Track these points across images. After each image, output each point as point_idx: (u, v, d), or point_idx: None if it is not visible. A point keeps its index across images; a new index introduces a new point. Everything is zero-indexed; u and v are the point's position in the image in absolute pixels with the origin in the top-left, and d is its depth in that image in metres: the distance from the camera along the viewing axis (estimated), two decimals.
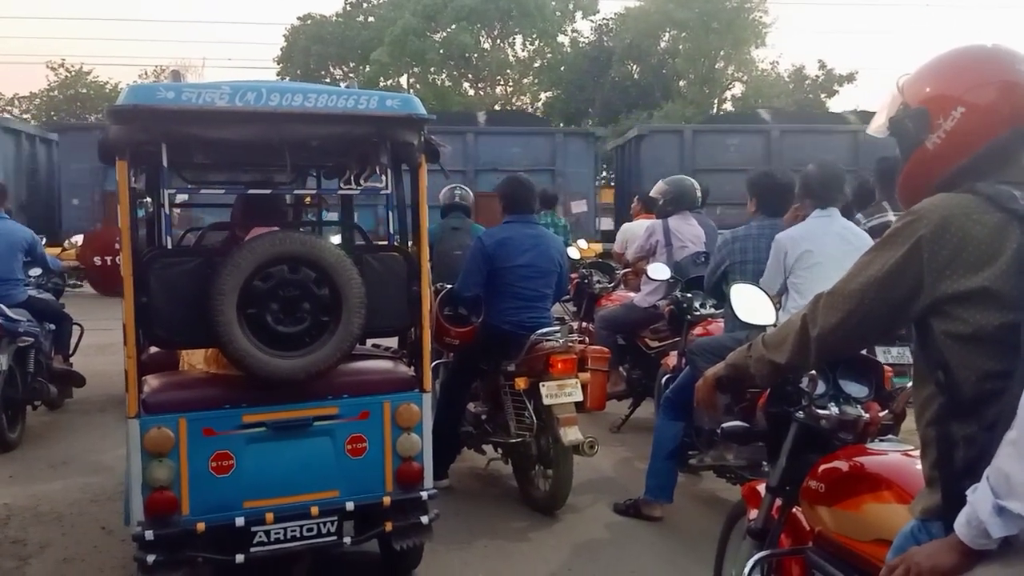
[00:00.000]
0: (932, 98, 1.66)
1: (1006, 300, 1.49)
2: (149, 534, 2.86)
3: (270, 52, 49.23)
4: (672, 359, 4.83)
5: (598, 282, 7.00)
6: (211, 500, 2.98)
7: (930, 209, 1.58)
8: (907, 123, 1.70)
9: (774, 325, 3.10)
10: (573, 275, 6.91)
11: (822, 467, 2.25)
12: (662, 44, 30.54)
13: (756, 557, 2.32)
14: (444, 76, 32.49)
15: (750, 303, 3.23)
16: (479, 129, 16.08)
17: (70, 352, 6.67)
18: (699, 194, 6.14)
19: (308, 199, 4.92)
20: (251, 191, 3.92)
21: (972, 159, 1.62)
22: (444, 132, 14.31)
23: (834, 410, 2.40)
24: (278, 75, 33.78)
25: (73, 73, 34.95)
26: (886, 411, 2.45)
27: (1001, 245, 1.50)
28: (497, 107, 29.30)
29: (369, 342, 3.75)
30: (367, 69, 31.53)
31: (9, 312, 5.62)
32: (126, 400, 2.97)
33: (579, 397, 4.33)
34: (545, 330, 4.47)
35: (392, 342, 3.81)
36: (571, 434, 4.22)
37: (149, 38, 56.83)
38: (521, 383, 4.37)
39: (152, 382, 3.12)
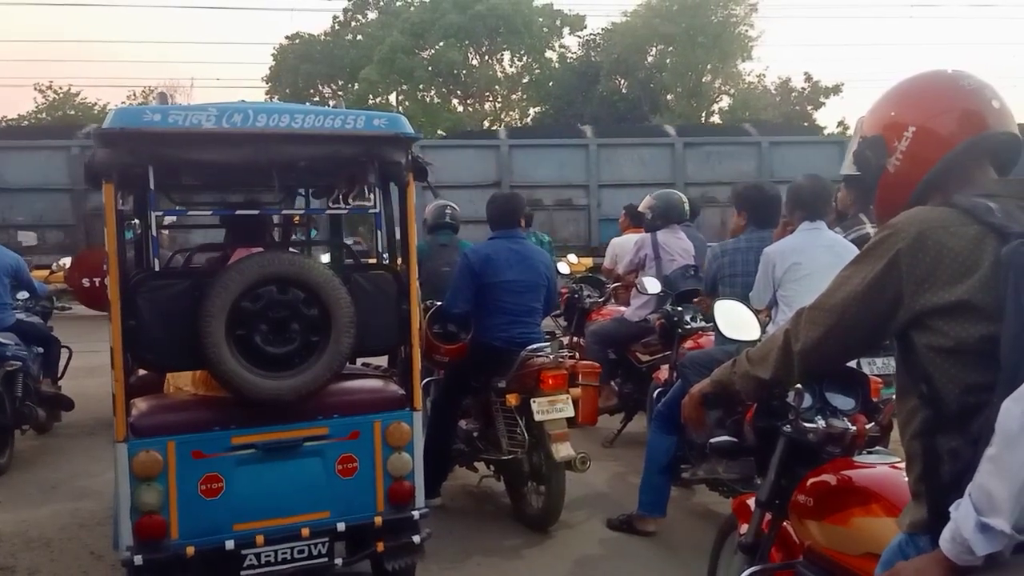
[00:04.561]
0: (886, 124, 1.73)
1: (985, 312, 1.49)
2: (138, 559, 2.84)
3: (259, 72, 49.38)
4: (663, 373, 4.83)
5: (588, 297, 7.01)
6: (201, 523, 2.96)
7: (907, 223, 1.59)
8: (867, 152, 1.76)
9: (759, 340, 3.11)
10: (563, 290, 6.92)
11: (810, 481, 2.26)
12: (649, 58, 30.75)
13: (747, 572, 2.31)
14: (433, 93, 32.63)
15: (734, 319, 3.24)
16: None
17: (59, 375, 6.64)
18: (686, 207, 6.17)
19: (297, 219, 4.92)
20: (239, 212, 3.92)
21: (932, 173, 1.66)
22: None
23: (821, 423, 2.40)
24: (267, 94, 33.88)
25: (61, 95, 34.95)
26: (873, 423, 2.46)
27: (979, 258, 1.51)
28: (486, 123, 29.36)
29: (359, 361, 3.74)
30: (356, 87, 31.66)
31: None
32: (114, 423, 2.95)
33: (571, 412, 4.33)
34: (535, 346, 4.47)
35: (382, 361, 3.81)
36: (563, 450, 4.21)
37: (137, 59, 56.74)
38: (512, 399, 4.37)
39: (140, 405, 3.09)
